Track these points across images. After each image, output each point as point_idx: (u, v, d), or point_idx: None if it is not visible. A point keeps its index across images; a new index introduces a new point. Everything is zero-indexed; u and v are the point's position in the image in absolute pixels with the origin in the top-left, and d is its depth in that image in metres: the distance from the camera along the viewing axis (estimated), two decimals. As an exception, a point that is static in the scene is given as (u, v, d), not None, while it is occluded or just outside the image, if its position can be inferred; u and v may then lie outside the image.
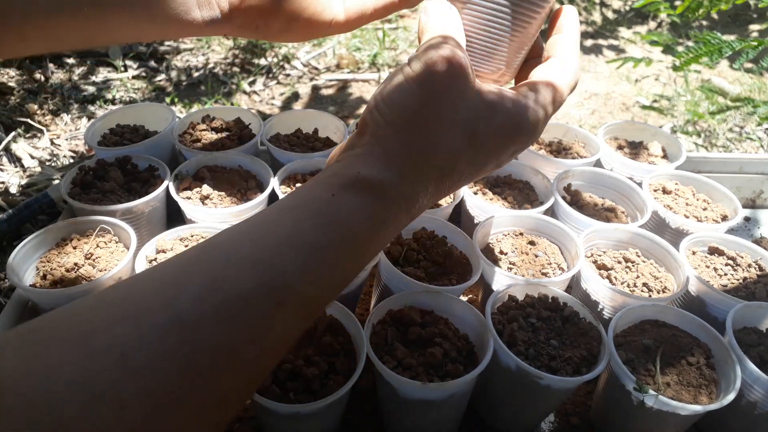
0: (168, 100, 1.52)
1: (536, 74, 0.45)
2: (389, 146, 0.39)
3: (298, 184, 0.93)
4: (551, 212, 0.94)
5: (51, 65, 1.58)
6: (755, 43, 1.08)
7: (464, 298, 0.88)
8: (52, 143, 1.30)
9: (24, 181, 1.17)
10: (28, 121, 1.33)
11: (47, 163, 1.23)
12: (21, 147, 1.25)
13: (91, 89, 1.53)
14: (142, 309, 0.28)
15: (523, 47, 0.47)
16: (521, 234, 0.88)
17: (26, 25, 0.48)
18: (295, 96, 1.63)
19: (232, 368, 0.30)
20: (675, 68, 1.28)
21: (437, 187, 0.41)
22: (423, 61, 0.39)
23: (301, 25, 0.54)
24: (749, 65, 1.90)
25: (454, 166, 0.41)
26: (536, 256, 0.84)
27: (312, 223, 0.35)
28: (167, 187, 0.87)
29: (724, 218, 0.96)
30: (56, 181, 1.15)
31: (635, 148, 1.13)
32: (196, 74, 1.66)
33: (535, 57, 0.49)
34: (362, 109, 1.59)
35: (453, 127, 0.39)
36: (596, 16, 2.36)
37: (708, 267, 0.86)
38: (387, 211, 0.39)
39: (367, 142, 0.40)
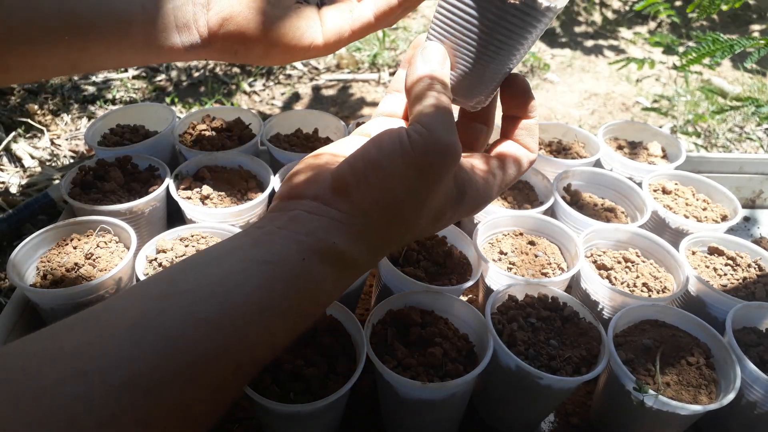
0: (168, 100, 1.52)
1: (509, 149, 0.47)
2: (370, 225, 0.39)
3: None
4: (551, 212, 0.94)
5: (51, 65, 1.58)
6: (763, 42, 1.07)
7: (464, 298, 0.88)
8: (53, 143, 1.31)
9: (24, 181, 1.17)
10: (29, 121, 1.33)
11: (47, 163, 1.23)
12: (21, 147, 1.25)
13: (92, 89, 1.53)
14: (97, 366, 0.27)
15: (506, 74, 0.45)
16: (521, 234, 0.88)
17: (9, 55, 0.48)
18: (296, 96, 1.63)
19: (186, 428, 0.30)
20: (678, 67, 1.28)
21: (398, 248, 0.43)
22: (425, 147, 0.38)
23: (281, 50, 0.55)
24: (750, 65, 1.90)
25: (415, 235, 0.43)
26: (536, 256, 0.84)
27: (283, 286, 0.35)
28: (167, 187, 0.87)
29: (724, 218, 0.96)
30: (56, 181, 1.15)
31: (635, 149, 1.13)
32: (196, 74, 1.66)
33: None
34: (363, 110, 1.59)
35: (427, 213, 0.40)
36: (596, 17, 2.36)
37: (708, 267, 0.86)
38: (349, 280, 0.40)
39: (347, 210, 0.38)
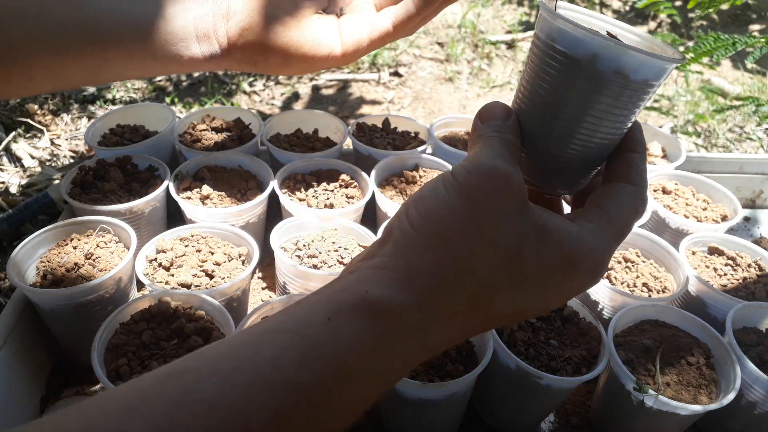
0: (168, 100, 1.52)
1: (604, 199, 0.37)
2: (412, 261, 0.33)
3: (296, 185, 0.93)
4: (551, 212, 0.94)
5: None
6: (764, 40, 1.07)
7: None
8: (52, 143, 1.31)
9: (24, 181, 1.17)
10: (29, 121, 1.33)
11: (47, 163, 1.23)
12: (21, 147, 1.25)
13: (91, 89, 1.53)
14: None
15: (601, 163, 0.39)
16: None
17: (33, 64, 0.49)
18: (295, 96, 1.63)
19: None
20: (679, 67, 1.28)
21: (465, 322, 0.34)
22: (468, 171, 0.34)
23: (299, 60, 0.55)
24: (751, 64, 1.90)
25: (491, 299, 0.34)
26: (536, 256, 0.84)
27: (297, 354, 0.30)
28: (167, 187, 0.87)
29: (724, 218, 0.96)
30: (56, 181, 1.15)
31: (635, 148, 1.13)
32: (196, 74, 1.66)
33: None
34: (362, 109, 1.59)
35: (493, 252, 0.33)
36: (596, 16, 2.36)
37: (708, 267, 0.86)
38: (395, 344, 0.32)
39: (387, 252, 0.34)
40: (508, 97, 1.75)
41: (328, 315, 0.31)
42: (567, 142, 0.37)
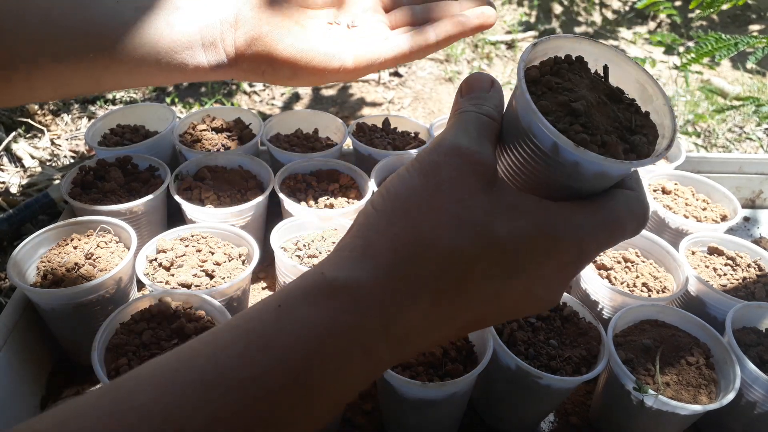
0: (168, 100, 1.52)
1: (596, 197, 0.34)
2: (370, 239, 0.31)
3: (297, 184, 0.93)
4: (551, 212, 0.94)
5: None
6: (765, 40, 1.08)
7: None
8: (53, 143, 1.31)
9: (24, 181, 1.17)
10: (29, 121, 1.33)
11: (48, 163, 1.23)
12: (21, 147, 1.25)
13: (92, 89, 1.53)
14: None
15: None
16: (521, 234, 0.88)
17: (33, 72, 0.48)
18: (296, 96, 1.63)
19: None
20: (679, 66, 1.28)
21: (436, 304, 0.30)
22: (430, 150, 0.33)
23: (309, 72, 0.53)
24: (751, 65, 1.90)
25: (463, 275, 0.30)
26: (536, 256, 0.84)
27: (239, 349, 0.27)
28: (167, 187, 0.87)
29: (724, 218, 0.96)
30: (57, 181, 1.15)
31: (635, 149, 1.13)
32: (196, 74, 1.66)
33: None
34: (362, 110, 1.59)
35: (458, 226, 0.30)
36: (596, 17, 2.36)
37: (707, 267, 0.86)
38: (353, 327, 0.29)
39: (347, 235, 0.33)
40: (508, 97, 1.75)
41: (279, 302, 0.29)
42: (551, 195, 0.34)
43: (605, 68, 0.36)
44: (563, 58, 0.36)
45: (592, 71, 0.36)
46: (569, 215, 0.32)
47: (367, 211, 0.33)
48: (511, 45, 2.04)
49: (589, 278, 0.79)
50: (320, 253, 0.78)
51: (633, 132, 0.34)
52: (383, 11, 0.56)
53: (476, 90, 0.36)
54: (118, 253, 0.78)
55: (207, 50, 0.51)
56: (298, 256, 0.78)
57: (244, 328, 0.29)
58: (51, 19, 0.47)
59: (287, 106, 1.58)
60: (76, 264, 0.74)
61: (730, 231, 0.95)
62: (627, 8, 2.40)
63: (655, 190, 1.01)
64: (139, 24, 0.49)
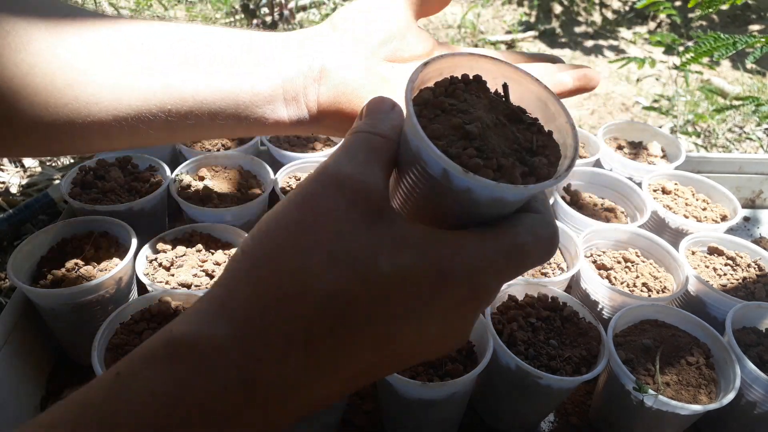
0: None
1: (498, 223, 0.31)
2: (231, 287, 0.27)
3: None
4: (551, 212, 0.94)
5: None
6: (765, 40, 1.08)
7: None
8: (53, 143, 1.31)
9: (24, 181, 1.17)
10: (29, 121, 1.33)
11: (47, 163, 1.23)
12: (21, 147, 1.25)
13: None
14: None
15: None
16: (521, 234, 0.88)
17: (113, 132, 0.45)
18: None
19: None
20: (679, 66, 1.28)
21: (311, 352, 0.26)
22: (309, 180, 0.29)
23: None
24: (750, 64, 1.90)
25: (341, 321, 0.26)
26: (536, 256, 0.84)
27: (70, 429, 0.24)
28: (167, 187, 0.87)
29: (724, 218, 0.96)
30: (57, 181, 1.15)
31: (635, 148, 1.13)
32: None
33: None
34: (362, 110, 1.59)
35: (334, 265, 0.26)
36: (596, 17, 2.36)
37: (707, 267, 0.86)
38: (207, 397, 0.24)
39: (212, 286, 0.29)
40: (507, 97, 1.75)
41: (118, 370, 0.25)
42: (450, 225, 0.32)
43: (505, 87, 0.34)
44: (460, 77, 0.33)
45: (493, 90, 0.34)
46: (460, 246, 0.29)
47: (236, 255, 0.29)
48: (511, 45, 2.04)
49: (589, 278, 0.79)
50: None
51: (534, 153, 0.32)
52: None
53: (375, 112, 0.33)
54: (117, 253, 0.78)
55: (288, 105, 0.48)
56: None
57: (77, 401, 0.25)
58: (127, 92, 0.44)
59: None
60: (76, 264, 0.74)
61: (730, 231, 0.95)
62: (627, 8, 2.40)
63: (655, 190, 1.01)
64: (220, 77, 0.46)
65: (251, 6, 2.00)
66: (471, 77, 0.34)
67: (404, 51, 0.50)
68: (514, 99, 0.34)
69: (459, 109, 0.31)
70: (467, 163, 0.28)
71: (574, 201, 0.98)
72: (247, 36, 0.48)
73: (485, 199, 0.29)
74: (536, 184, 0.29)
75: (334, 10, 2.12)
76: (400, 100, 0.45)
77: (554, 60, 0.54)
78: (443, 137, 0.30)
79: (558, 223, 0.87)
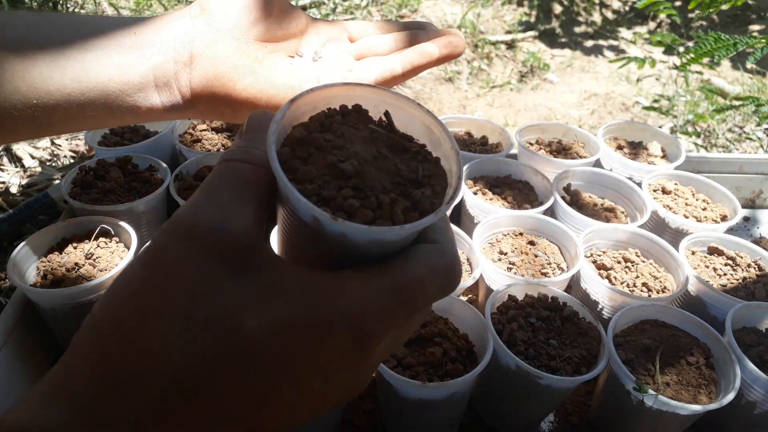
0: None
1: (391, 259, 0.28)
2: (72, 364, 0.24)
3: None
4: (551, 212, 0.94)
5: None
6: (765, 40, 1.08)
7: (464, 298, 0.89)
8: (53, 143, 1.31)
9: (24, 181, 1.17)
10: (29, 121, 1.33)
11: (48, 163, 1.23)
12: (21, 147, 1.25)
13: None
14: None
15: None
16: (521, 234, 0.88)
17: None
18: (295, 96, 1.63)
19: None
20: (679, 67, 1.28)
21: (159, 425, 0.23)
22: (162, 230, 0.26)
23: (271, 111, 0.49)
24: (751, 65, 1.90)
25: (201, 388, 0.23)
26: (536, 256, 0.84)
27: None
28: (167, 187, 0.87)
29: (724, 218, 0.96)
30: (57, 181, 1.15)
31: (635, 149, 1.13)
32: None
33: None
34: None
35: (189, 328, 0.23)
36: (596, 17, 2.36)
37: (707, 267, 0.86)
38: None
39: (55, 366, 0.25)
40: (507, 97, 1.76)
41: None
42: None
43: (387, 115, 0.32)
44: (338, 108, 0.31)
45: (377, 118, 0.32)
46: (340, 289, 0.25)
47: (86, 323, 0.25)
48: (511, 45, 2.04)
49: (589, 278, 0.79)
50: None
51: (420, 184, 0.29)
52: (348, 41, 0.54)
53: (253, 130, 0.30)
54: (118, 253, 0.78)
55: (161, 91, 0.47)
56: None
57: None
58: None
59: (287, 106, 1.58)
60: (76, 264, 0.74)
61: (730, 231, 0.95)
62: (627, 8, 2.41)
63: (655, 190, 1.01)
64: (86, 68, 0.44)
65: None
66: (350, 107, 0.31)
67: (276, 31, 0.49)
68: (399, 126, 0.32)
69: (335, 144, 0.29)
70: (342, 205, 0.26)
71: (574, 201, 0.98)
72: (117, 22, 0.47)
73: (363, 242, 0.27)
74: (414, 223, 0.26)
75: (334, 10, 2.12)
76: (283, 84, 0.44)
77: (422, 27, 0.54)
78: (316, 179, 0.27)
79: (558, 222, 0.87)
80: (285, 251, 0.32)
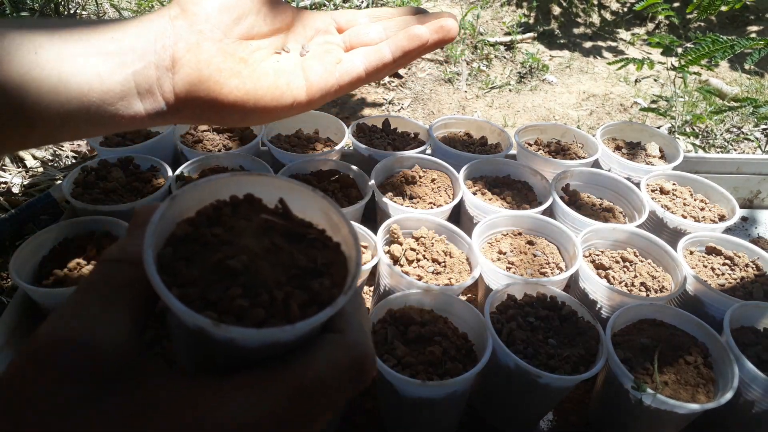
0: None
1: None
2: None
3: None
4: (549, 212, 0.95)
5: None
6: (763, 42, 1.08)
7: (463, 298, 0.89)
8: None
9: (26, 182, 1.17)
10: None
11: (50, 164, 1.24)
12: (22, 148, 1.25)
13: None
14: None
15: None
16: (520, 234, 0.89)
17: None
18: (295, 97, 1.63)
19: None
20: (678, 68, 1.29)
21: None
22: (22, 348, 0.23)
23: (260, 112, 0.47)
24: (749, 66, 1.91)
25: None
26: (535, 256, 0.84)
27: None
28: (169, 187, 0.88)
29: (722, 218, 0.97)
30: (59, 182, 1.16)
31: (633, 149, 1.14)
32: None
33: None
34: (363, 110, 1.60)
35: None
36: (594, 18, 2.37)
37: (705, 266, 0.86)
38: None
39: None
40: (506, 98, 1.76)
41: None
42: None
43: (282, 202, 0.30)
44: (228, 200, 0.29)
45: (272, 206, 0.30)
46: (221, 400, 0.23)
47: None
48: (510, 46, 2.04)
49: (588, 278, 0.80)
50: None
51: (319, 273, 0.27)
52: (336, 32, 0.52)
53: (138, 225, 0.28)
54: (119, 253, 0.78)
55: (144, 98, 0.45)
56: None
57: None
58: None
59: (287, 106, 1.59)
60: (78, 264, 0.74)
61: (728, 231, 0.95)
62: (625, 9, 2.41)
63: (653, 190, 1.01)
64: (64, 79, 0.41)
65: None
66: (241, 197, 0.29)
67: (262, 26, 0.47)
68: (297, 212, 0.30)
69: (223, 240, 0.27)
70: (230, 307, 0.24)
71: (573, 201, 0.98)
72: (92, 26, 0.44)
73: (254, 345, 0.25)
74: (307, 320, 0.24)
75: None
76: (270, 84, 0.41)
77: (417, 11, 0.52)
78: (200, 280, 0.25)
79: (557, 222, 0.88)
80: (180, 354, 0.29)
